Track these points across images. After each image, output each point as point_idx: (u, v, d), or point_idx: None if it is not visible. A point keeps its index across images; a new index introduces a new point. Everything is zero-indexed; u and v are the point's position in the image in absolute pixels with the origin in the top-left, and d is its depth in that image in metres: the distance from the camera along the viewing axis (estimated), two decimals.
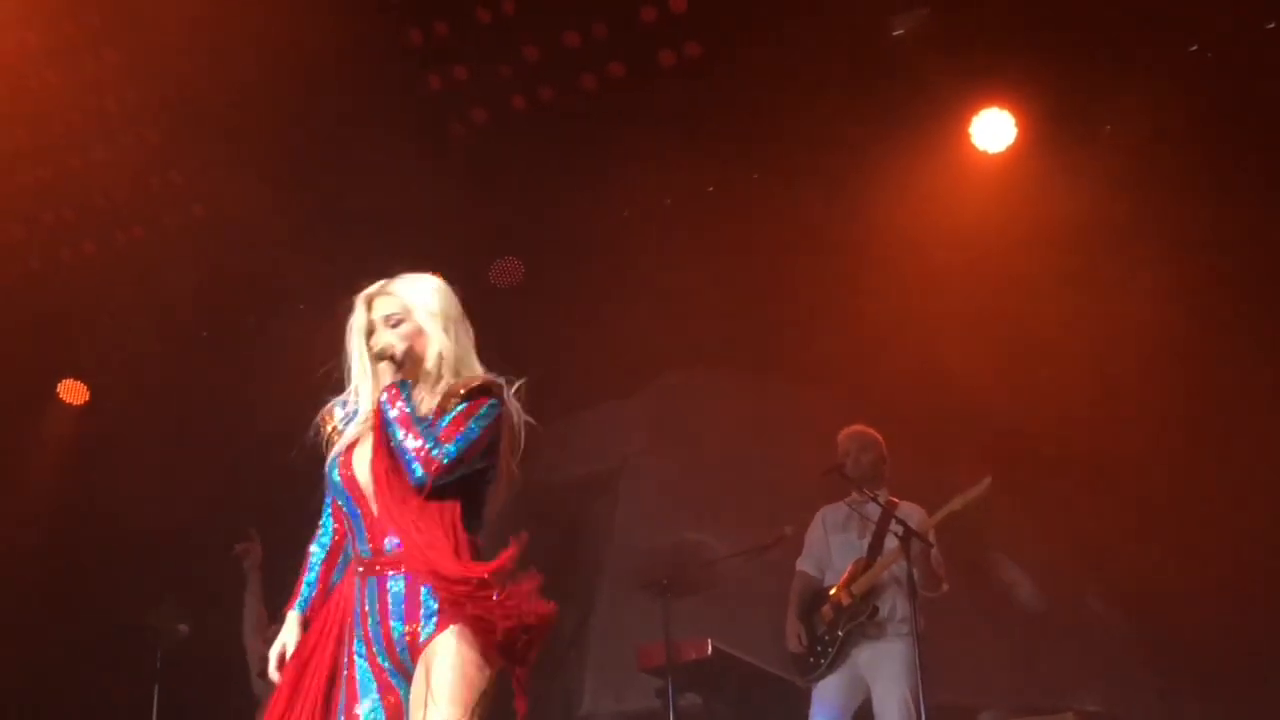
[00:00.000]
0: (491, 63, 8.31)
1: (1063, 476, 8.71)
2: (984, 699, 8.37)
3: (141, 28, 7.97)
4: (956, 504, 6.63)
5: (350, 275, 9.35)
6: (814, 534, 7.16)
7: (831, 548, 7.03)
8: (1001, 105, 8.09)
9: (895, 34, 7.75)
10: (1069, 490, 8.75)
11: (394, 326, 4.11)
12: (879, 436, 7.13)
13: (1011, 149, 8.17)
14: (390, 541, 3.94)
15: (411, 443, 3.91)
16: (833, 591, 6.83)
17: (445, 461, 3.90)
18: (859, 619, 6.72)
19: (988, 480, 6.60)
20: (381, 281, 4.22)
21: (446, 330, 4.17)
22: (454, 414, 4.00)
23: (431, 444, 3.90)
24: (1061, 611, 8.98)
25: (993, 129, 8.14)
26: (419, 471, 3.89)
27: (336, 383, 4.23)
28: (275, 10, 7.59)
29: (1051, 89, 8.00)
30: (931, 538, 6.63)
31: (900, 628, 6.67)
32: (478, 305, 9.64)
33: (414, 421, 3.93)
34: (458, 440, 3.95)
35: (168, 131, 8.61)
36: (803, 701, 6.87)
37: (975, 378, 8.58)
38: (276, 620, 4.38)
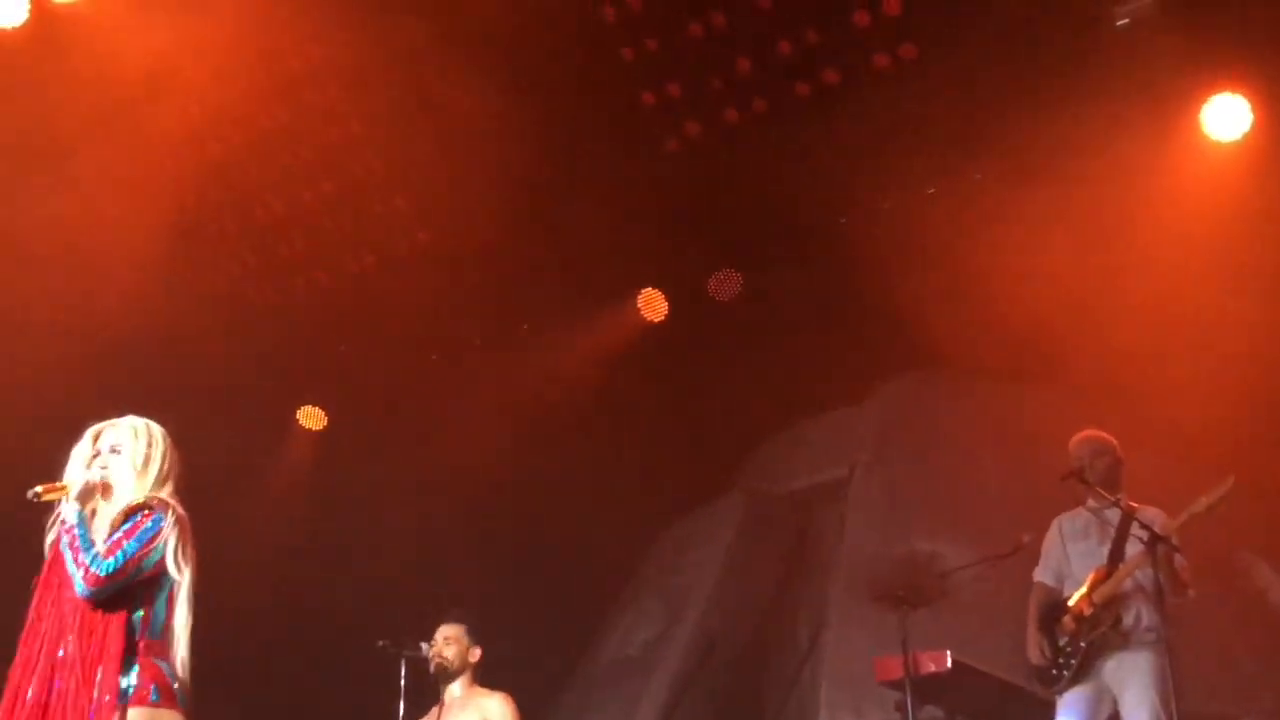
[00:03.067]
0: (704, 76, 8.33)
1: None
2: (1239, 707, 8.05)
3: (359, 57, 8.21)
4: (1200, 506, 6.37)
5: (572, 295, 9.58)
6: (1051, 543, 6.97)
7: (1070, 556, 6.83)
8: (1235, 90, 7.77)
9: (1120, 24, 7.51)
10: None
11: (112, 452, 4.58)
12: (1114, 440, 6.90)
13: (1247, 136, 7.84)
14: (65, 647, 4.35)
15: (76, 562, 4.32)
16: (1073, 601, 6.63)
17: (104, 574, 4.28)
18: (1102, 628, 6.51)
19: (1231, 480, 6.33)
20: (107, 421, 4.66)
21: (138, 465, 4.54)
22: (118, 534, 4.38)
23: (91, 560, 4.30)
24: None
25: (1226, 115, 7.82)
26: (81, 585, 4.29)
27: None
28: (493, 38, 7.75)
29: None
30: (1175, 541, 6.39)
31: (1146, 636, 6.45)
32: (701, 318, 9.77)
33: (81, 543, 4.33)
34: (117, 556, 4.31)
35: (391, 159, 8.84)
36: (1047, 714, 6.68)
37: (1214, 376, 8.27)
38: None
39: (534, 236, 9.25)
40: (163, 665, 4.32)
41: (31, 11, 7.79)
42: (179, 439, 4.72)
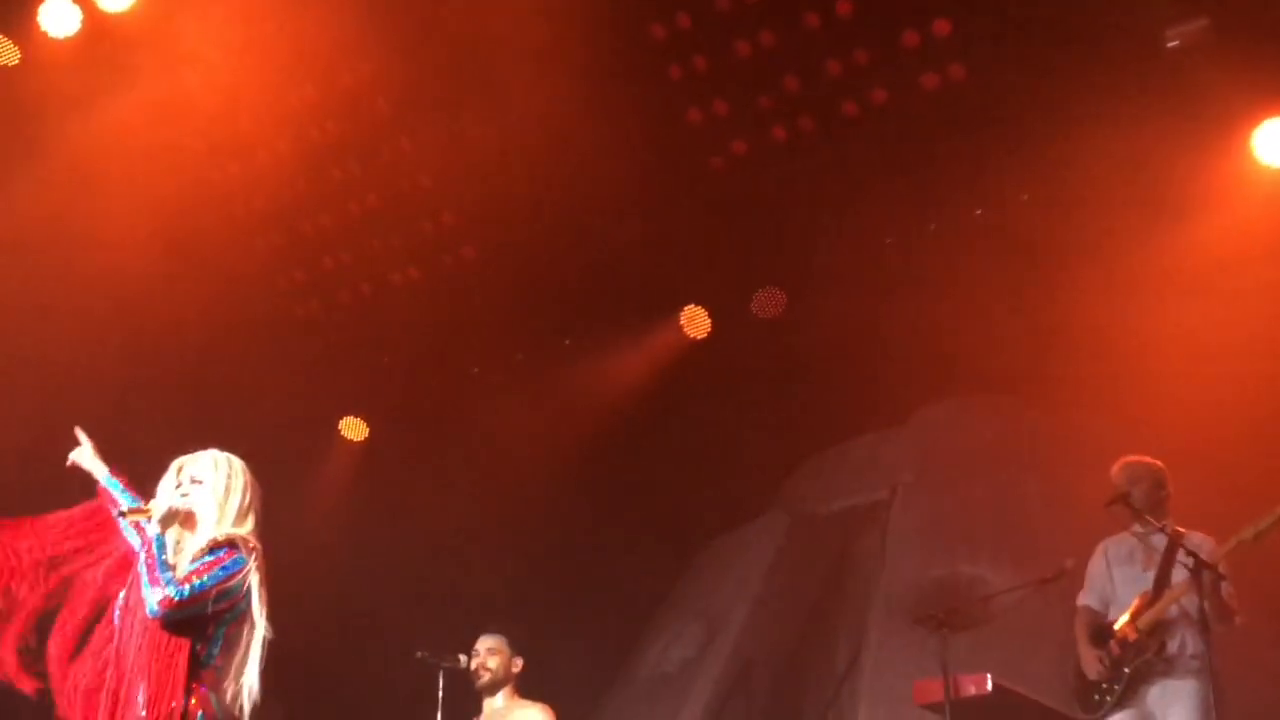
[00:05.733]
0: (751, 94, 8.34)
1: None
2: None
3: (409, 73, 8.26)
4: (1248, 533, 6.33)
5: (616, 311, 9.59)
6: (1096, 567, 6.92)
7: (1115, 581, 6.78)
8: None
9: (1170, 45, 7.46)
10: None
11: (193, 483, 4.67)
12: (1160, 464, 6.85)
13: None
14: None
15: (151, 582, 4.38)
16: (1118, 627, 6.59)
17: (177, 599, 4.34)
18: (1146, 655, 6.46)
19: None
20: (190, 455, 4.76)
21: (220, 496, 4.63)
22: (198, 564, 4.44)
23: (168, 583, 4.37)
24: None
25: (1277, 140, 7.77)
26: (153, 606, 4.35)
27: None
28: (541, 54, 7.78)
29: None
30: (1223, 568, 6.33)
31: (1191, 663, 6.39)
32: (740, 336, 9.76)
33: (158, 565, 4.40)
34: (194, 584, 4.37)
35: (438, 175, 8.88)
36: None
37: (1262, 402, 8.20)
38: None
39: (578, 252, 9.28)
40: (212, 696, 4.40)
41: (84, 22, 7.90)
42: (222, 445, 4.78)
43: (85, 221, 8.41)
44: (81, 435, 4.95)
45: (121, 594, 4.60)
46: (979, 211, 8.81)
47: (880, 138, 8.37)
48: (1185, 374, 8.45)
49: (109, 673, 4.48)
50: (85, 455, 4.92)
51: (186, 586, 4.35)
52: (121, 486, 4.80)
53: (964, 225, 8.85)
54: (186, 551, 4.54)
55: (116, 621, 4.56)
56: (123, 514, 4.63)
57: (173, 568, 4.42)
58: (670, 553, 10.77)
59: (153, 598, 4.34)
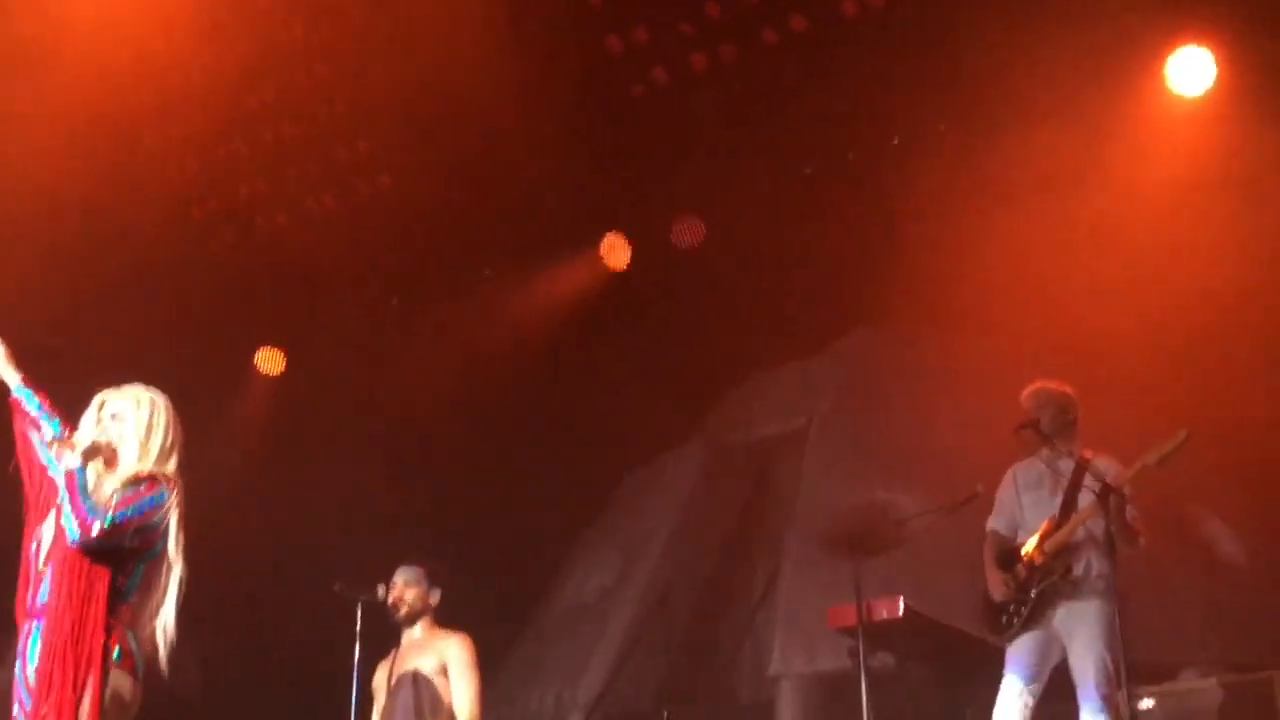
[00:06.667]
0: (672, 21, 8.29)
1: (1265, 428, 8.40)
2: (1185, 656, 8.13)
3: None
4: (1151, 457, 6.42)
5: (535, 241, 9.54)
6: (1005, 493, 7.00)
7: (1024, 506, 6.86)
8: (1200, 43, 7.78)
9: None
10: (1273, 442, 8.43)
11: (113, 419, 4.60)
12: (1069, 390, 6.94)
13: (1210, 91, 7.86)
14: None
15: (74, 510, 4.34)
16: (1025, 550, 6.69)
17: (97, 528, 4.31)
18: (1052, 578, 6.55)
19: (1184, 433, 6.37)
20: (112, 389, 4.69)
21: (142, 434, 4.58)
22: (119, 497, 4.41)
23: (90, 510, 4.33)
24: (1265, 567, 8.68)
25: (1190, 70, 7.84)
26: (74, 533, 4.31)
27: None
28: None
29: (1260, 25, 7.67)
30: (1127, 492, 6.44)
31: (1096, 585, 6.50)
32: (659, 266, 9.75)
33: (79, 493, 4.36)
34: (115, 514, 4.35)
35: (354, 102, 8.78)
36: (997, 661, 6.73)
37: (1170, 329, 8.33)
38: None
39: (497, 181, 9.22)
40: (129, 633, 4.38)
41: None
42: (137, 377, 4.72)
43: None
44: None
45: (40, 528, 4.53)
46: (896, 140, 8.84)
47: (799, 65, 8.36)
48: (1100, 302, 8.55)
49: (30, 606, 4.43)
50: None
51: (109, 515, 4.32)
52: (40, 404, 4.66)
53: (882, 154, 8.88)
54: (105, 488, 4.47)
55: (34, 556, 4.49)
56: (48, 444, 4.53)
57: (91, 495, 4.37)
58: (589, 484, 10.80)
59: (73, 525, 4.31)
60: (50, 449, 4.55)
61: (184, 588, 4.50)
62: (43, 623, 4.34)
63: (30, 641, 4.36)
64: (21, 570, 4.52)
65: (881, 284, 9.26)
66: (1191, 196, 8.13)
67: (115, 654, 4.30)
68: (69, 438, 4.51)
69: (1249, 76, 7.87)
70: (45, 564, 4.44)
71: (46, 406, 4.65)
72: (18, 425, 4.69)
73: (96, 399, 4.64)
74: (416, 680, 6.47)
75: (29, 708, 4.28)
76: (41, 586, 4.40)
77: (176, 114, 8.78)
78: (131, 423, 4.57)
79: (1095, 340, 8.41)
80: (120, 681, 4.32)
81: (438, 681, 6.47)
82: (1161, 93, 8.01)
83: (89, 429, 4.58)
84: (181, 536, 4.51)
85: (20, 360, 4.74)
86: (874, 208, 8.96)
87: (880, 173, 8.90)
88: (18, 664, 4.36)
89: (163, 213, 9.24)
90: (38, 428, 4.63)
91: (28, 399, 4.67)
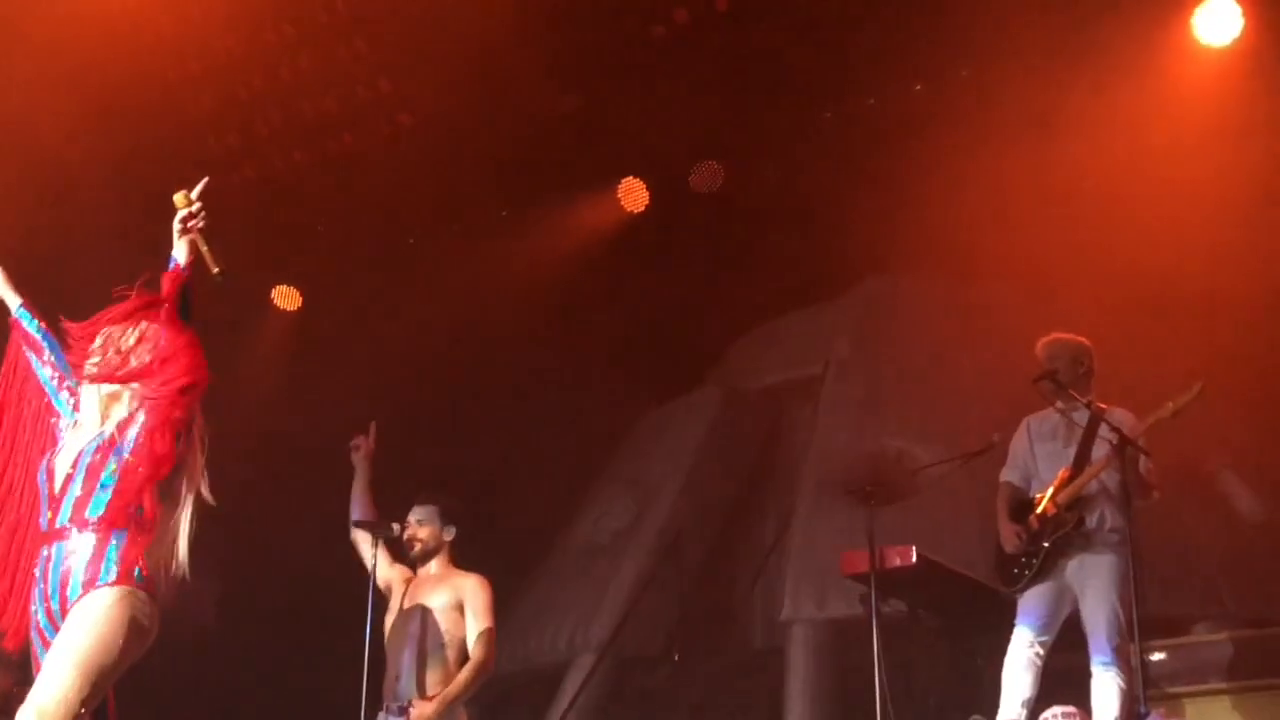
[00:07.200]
0: None
1: None
2: (1199, 610, 8.13)
3: None
4: (1167, 410, 6.40)
5: (551, 182, 9.49)
6: (1019, 444, 6.98)
7: (1037, 457, 6.84)
8: None
9: None
10: None
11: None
12: (1085, 341, 6.90)
13: (1237, 41, 7.79)
14: None
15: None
16: (1038, 501, 6.68)
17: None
18: (1064, 529, 6.55)
19: (1199, 385, 6.35)
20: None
21: None
22: None
23: None
24: None
25: (1217, 19, 7.76)
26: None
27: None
28: None
29: None
30: (1142, 444, 6.42)
31: (1110, 537, 6.49)
32: (677, 210, 9.71)
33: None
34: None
35: (375, 40, 8.73)
36: (1009, 611, 6.74)
37: (1191, 279, 8.28)
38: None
39: (517, 122, 9.18)
40: (147, 558, 4.36)
41: None
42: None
43: (4, 82, 8.18)
44: None
45: (48, 457, 4.49)
46: (918, 87, 8.78)
47: (823, 9, 8.29)
48: (1120, 252, 8.50)
49: (48, 528, 4.36)
50: None
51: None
52: (40, 325, 4.66)
53: (904, 100, 8.82)
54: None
55: (42, 481, 4.45)
56: (49, 365, 4.56)
57: None
58: (604, 426, 10.81)
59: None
60: (50, 372, 4.56)
61: (201, 520, 4.49)
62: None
63: (54, 559, 4.30)
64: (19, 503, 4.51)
65: (900, 230, 9.21)
66: (1213, 145, 8.06)
67: (136, 573, 4.29)
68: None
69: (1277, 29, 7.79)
70: (69, 483, 4.36)
71: (46, 328, 4.65)
72: (12, 348, 4.67)
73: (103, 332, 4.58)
74: (425, 617, 6.49)
75: (57, 619, 4.25)
76: (63, 506, 4.33)
77: (193, 50, 8.72)
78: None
79: (1112, 289, 8.36)
80: (139, 605, 4.27)
81: (451, 617, 6.47)
82: (1188, 42, 7.92)
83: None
84: (203, 467, 4.51)
85: (25, 289, 4.75)
86: (894, 153, 8.89)
87: (901, 118, 8.83)
88: (36, 589, 4.33)
89: (181, 148, 9.19)
90: (38, 350, 4.62)
91: (27, 320, 4.67)
